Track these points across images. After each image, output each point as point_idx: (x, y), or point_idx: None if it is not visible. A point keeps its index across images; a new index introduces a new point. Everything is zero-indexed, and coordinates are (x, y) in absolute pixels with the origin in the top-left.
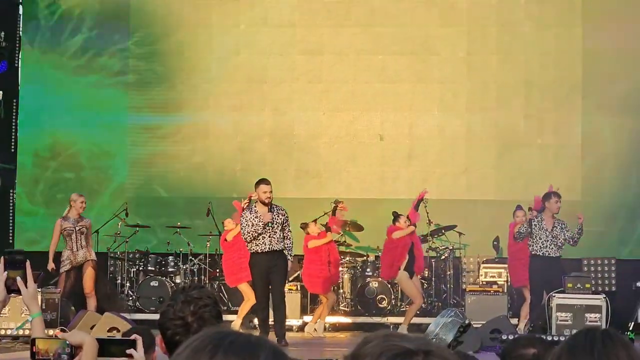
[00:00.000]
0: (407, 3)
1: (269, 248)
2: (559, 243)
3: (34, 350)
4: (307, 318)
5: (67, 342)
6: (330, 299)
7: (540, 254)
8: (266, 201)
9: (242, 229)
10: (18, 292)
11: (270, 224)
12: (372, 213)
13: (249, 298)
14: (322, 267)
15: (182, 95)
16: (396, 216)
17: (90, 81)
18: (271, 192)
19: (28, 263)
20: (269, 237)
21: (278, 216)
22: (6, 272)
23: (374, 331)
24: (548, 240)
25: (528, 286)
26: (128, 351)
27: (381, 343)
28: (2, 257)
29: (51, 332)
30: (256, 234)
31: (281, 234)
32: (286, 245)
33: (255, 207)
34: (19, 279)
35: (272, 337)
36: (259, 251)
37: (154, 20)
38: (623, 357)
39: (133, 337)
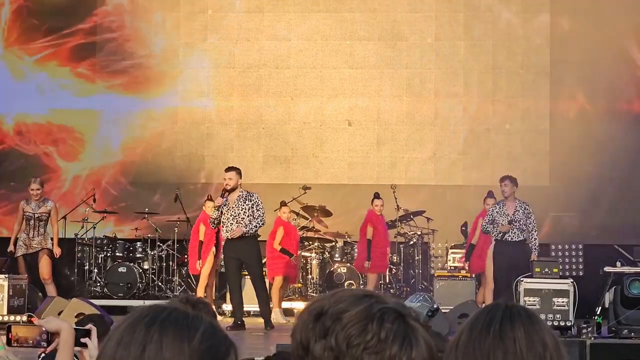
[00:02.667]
0: None
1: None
2: (521, 226)
3: (10, 337)
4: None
5: (44, 329)
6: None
7: (503, 239)
8: (225, 187)
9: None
10: None
11: (223, 207)
12: (340, 198)
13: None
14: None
15: (150, 80)
16: (376, 197)
17: (57, 66)
18: (230, 178)
19: None
20: (237, 223)
21: (244, 202)
22: None
23: None
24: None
25: (484, 273)
26: (83, 340)
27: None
28: None
29: (18, 317)
30: (214, 222)
31: (249, 220)
32: (253, 225)
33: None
34: None
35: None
36: (230, 237)
37: (122, 5)
38: (520, 337)
39: (88, 326)
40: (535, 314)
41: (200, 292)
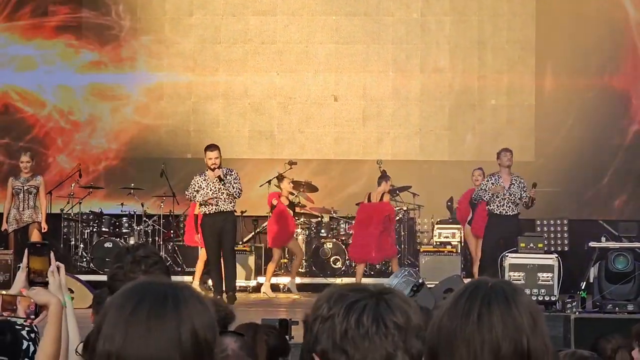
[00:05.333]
0: None
1: (215, 209)
2: (516, 200)
3: None
4: (261, 279)
5: (32, 301)
6: (276, 255)
7: (498, 212)
8: (212, 167)
9: (188, 189)
10: (42, 284)
11: (217, 186)
12: (326, 174)
13: (202, 257)
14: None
15: (136, 55)
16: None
17: (41, 40)
18: (217, 157)
19: (52, 255)
20: (216, 199)
21: (226, 177)
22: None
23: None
24: (505, 199)
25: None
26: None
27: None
28: (26, 249)
29: (4, 292)
30: (200, 199)
31: (229, 197)
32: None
33: (206, 172)
34: (50, 270)
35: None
36: (208, 212)
37: None
38: (496, 324)
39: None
40: (514, 294)
41: (198, 272)
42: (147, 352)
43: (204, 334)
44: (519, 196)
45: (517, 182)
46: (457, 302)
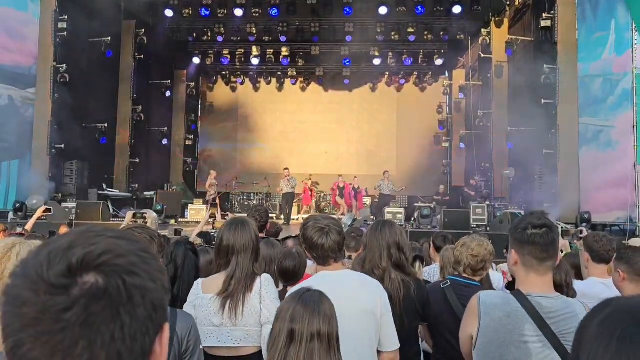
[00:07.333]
0: None
1: (287, 191)
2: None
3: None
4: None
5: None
6: None
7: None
8: (285, 176)
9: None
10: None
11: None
12: None
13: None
14: None
15: (237, 132)
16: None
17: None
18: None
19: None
20: None
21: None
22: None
23: None
24: None
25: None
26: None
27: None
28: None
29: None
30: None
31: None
32: None
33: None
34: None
35: None
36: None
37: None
38: (390, 232)
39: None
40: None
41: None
42: (240, 242)
43: (257, 234)
44: None
45: None
46: (372, 226)
